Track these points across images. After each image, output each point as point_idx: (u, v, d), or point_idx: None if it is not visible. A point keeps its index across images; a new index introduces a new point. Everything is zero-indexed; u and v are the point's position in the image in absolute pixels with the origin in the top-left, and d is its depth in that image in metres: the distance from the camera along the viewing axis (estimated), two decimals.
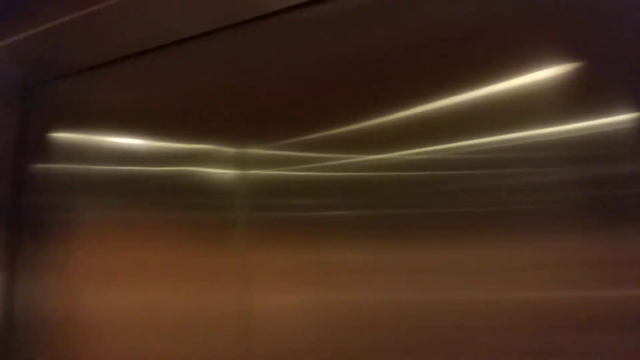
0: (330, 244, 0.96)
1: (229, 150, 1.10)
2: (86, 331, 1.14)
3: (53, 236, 1.24)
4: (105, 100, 1.28)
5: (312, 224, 0.98)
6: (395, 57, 0.96)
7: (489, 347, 0.79)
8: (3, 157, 1.31)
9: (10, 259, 1.24)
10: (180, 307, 1.06)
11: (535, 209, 0.80)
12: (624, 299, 0.73)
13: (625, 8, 0.80)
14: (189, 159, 1.14)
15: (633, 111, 0.77)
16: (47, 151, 1.32)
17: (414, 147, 0.92)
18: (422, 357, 0.83)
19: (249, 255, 1.03)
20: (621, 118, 0.78)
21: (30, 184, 1.31)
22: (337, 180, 0.98)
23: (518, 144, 0.84)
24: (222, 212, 1.08)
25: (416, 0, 0.95)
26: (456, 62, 0.90)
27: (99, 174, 1.24)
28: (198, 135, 1.15)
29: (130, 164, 1.21)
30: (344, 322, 0.91)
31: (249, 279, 1.02)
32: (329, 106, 1.01)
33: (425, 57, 0.93)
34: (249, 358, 0.97)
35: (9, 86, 1.36)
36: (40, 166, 1.32)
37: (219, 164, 1.11)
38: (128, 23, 1.15)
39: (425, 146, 0.91)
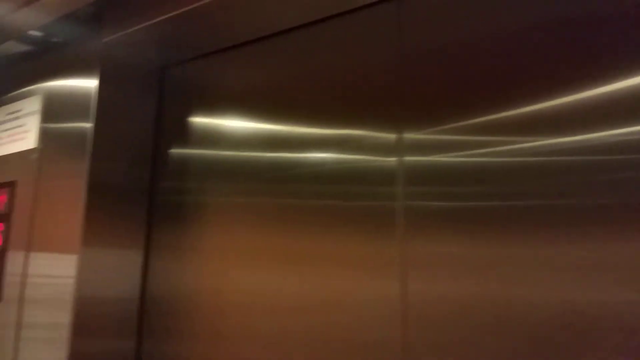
0: (495, 235, 0.87)
1: (384, 135, 1.03)
2: (225, 311, 1.13)
3: (187, 219, 1.24)
4: (246, 82, 1.24)
5: (477, 214, 0.90)
6: (586, 23, 0.84)
7: None
8: (144, 141, 1.30)
9: (146, 239, 1.26)
10: (332, 293, 1.02)
11: None
12: None
13: None
14: (341, 144, 1.09)
15: None
16: (184, 135, 1.31)
17: (609, 128, 0.80)
18: None
19: (406, 244, 0.96)
20: None
21: (167, 168, 1.31)
22: (508, 167, 0.88)
23: None
24: (378, 201, 1.01)
25: None
26: None
27: (238, 159, 1.21)
28: (350, 119, 1.08)
29: (275, 149, 1.16)
30: (504, 318, 0.83)
31: (405, 268, 0.95)
32: (501, 83, 0.91)
33: (627, 21, 0.81)
34: (403, 344, 0.92)
35: (149, 68, 1.35)
36: (177, 151, 1.31)
37: (373, 151, 1.04)
38: (269, 1, 1.09)
39: (624, 126, 0.79)
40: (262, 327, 1.08)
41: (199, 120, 1.30)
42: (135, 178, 1.26)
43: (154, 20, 1.19)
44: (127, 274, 1.19)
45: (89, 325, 1.09)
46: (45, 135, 1.27)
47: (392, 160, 1.01)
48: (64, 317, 1.07)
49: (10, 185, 1.29)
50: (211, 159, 1.25)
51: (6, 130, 1.37)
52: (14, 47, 1.38)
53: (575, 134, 0.83)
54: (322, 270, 1.04)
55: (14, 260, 1.21)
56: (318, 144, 1.11)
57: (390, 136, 1.02)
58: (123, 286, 1.17)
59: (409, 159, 0.99)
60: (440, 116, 0.97)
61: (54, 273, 1.13)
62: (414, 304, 0.93)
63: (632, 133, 0.79)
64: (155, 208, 1.28)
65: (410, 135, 1.00)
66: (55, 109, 1.27)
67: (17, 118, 1.35)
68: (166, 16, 1.17)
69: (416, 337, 0.92)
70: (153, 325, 1.19)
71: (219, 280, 1.16)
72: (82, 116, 1.21)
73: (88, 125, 1.19)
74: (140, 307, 1.21)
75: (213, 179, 1.23)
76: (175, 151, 1.31)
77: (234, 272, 1.14)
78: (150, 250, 1.25)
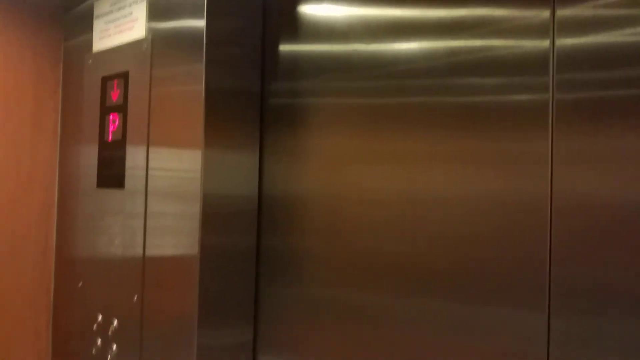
0: None
1: (529, 13, 0.90)
2: (343, 209, 1.10)
3: (297, 120, 1.20)
4: None
5: None
6: None
7: None
8: (253, 38, 1.24)
9: (260, 141, 1.24)
10: (463, 192, 0.95)
11: None
12: None
13: None
14: (475, 28, 0.96)
15: None
16: (291, 29, 1.23)
17: None
18: None
19: (555, 141, 0.86)
20: None
21: (276, 68, 1.25)
22: None
23: None
24: (523, 93, 0.91)
25: None
26: None
27: (350, 54, 1.12)
28: None
29: (396, 39, 1.06)
30: None
31: (551, 167, 0.86)
32: None
33: None
34: (543, 245, 0.86)
35: None
36: (286, 47, 1.24)
37: (517, 33, 0.91)
38: None
39: None
40: (383, 225, 1.05)
41: (305, 9, 1.20)
42: (247, 79, 1.22)
43: None
44: (245, 174, 1.20)
45: (215, 219, 1.12)
46: (154, 25, 1.23)
47: (539, 43, 0.89)
48: (191, 209, 1.10)
49: (122, 76, 1.28)
50: (321, 54, 1.17)
51: (112, 21, 1.34)
52: None
53: None
54: (452, 169, 0.97)
55: (135, 153, 1.23)
56: (447, 30, 0.99)
57: (539, 13, 0.89)
58: (242, 185, 1.19)
59: (563, 41, 0.87)
60: None
61: (176, 167, 1.15)
62: (563, 205, 0.85)
63: None
64: (267, 110, 1.25)
65: (566, 12, 0.86)
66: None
67: (122, 8, 1.31)
68: None
69: (559, 242, 0.84)
70: (270, 221, 1.21)
71: (332, 179, 1.13)
72: (190, 8, 1.15)
73: (199, 22, 1.13)
74: (259, 205, 1.23)
75: (323, 78, 1.16)
76: (284, 48, 1.24)
77: (350, 172, 1.10)
78: (264, 151, 1.24)
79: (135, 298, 1.12)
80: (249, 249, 1.19)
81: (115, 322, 1.16)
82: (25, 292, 1.49)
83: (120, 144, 1.25)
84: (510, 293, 0.89)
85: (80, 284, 1.26)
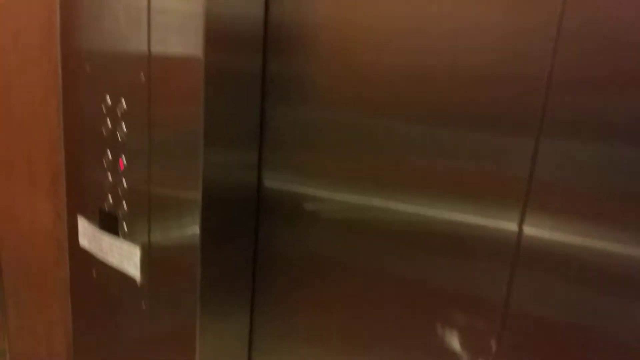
0: None
1: None
2: (353, 47, 1.07)
3: None
4: None
5: None
6: None
7: None
8: None
9: None
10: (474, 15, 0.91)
11: None
12: None
13: None
14: None
15: None
16: None
17: None
18: None
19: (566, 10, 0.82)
20: None
21: None
22: None
23: None
24: None
25: None
26: None
27: None
28: None
29: None
30: None
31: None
32: None
33: None
34: (544, 68, 0.86)
35: None
36: None
37: None
38: None
39: None
40: (392, 52, 1.02)
41: None
42: None
43: None
44: None
45: (219, 27, 1.06)
46: None
47: None
48: (195, 8, 1.04)
49: None
50: None
51: None
52: None
53: None
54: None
55: None
56: None
57: None
58: (247, 4, 1.12)
59: None
60: None
61: None
62: (572, 28, 0.82)
63: None
64: None
65: None
66: None
67: None
68: None
69: (566, 63, 0.84)
70: (277, 45, 1.16)
71: (343, 2, 1.06)
72: None
73: None
74: (265, 27, 1.16)
75: None
76: None
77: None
78: None
79: (142, 76, 1.13)
80: (254, 71, 1.16)
81: (123, 101, 1.19)
82: (33, 79, 1.52)
83: None
84: (504, 116, 0.92)
85: (87, 69, 1.28)
